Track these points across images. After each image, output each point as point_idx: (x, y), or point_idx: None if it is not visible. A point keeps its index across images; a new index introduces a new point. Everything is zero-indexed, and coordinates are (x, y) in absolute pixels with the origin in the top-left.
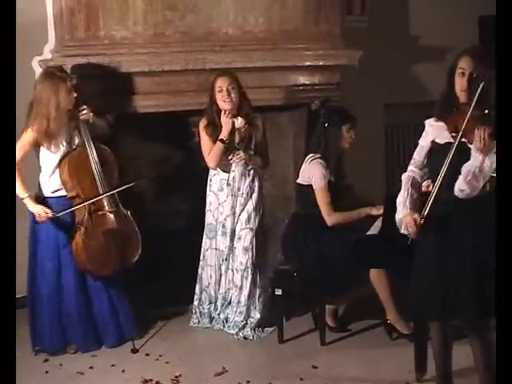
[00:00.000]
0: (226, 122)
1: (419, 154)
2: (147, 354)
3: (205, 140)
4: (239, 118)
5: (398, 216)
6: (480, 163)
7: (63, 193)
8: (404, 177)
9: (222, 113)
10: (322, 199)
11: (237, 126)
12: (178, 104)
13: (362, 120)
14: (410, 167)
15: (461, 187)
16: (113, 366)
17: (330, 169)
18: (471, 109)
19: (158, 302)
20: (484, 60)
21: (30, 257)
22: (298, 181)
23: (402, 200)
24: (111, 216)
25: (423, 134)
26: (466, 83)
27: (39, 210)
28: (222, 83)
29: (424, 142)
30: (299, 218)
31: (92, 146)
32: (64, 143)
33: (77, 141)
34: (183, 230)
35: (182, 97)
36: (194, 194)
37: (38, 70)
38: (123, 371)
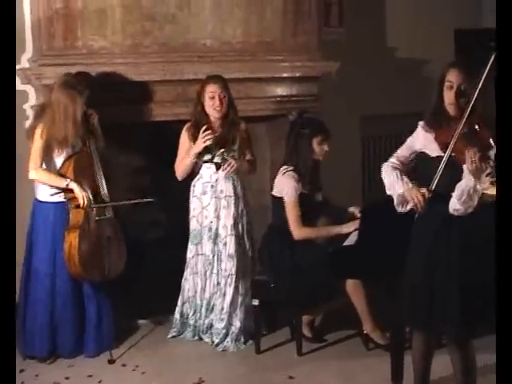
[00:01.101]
0: (197, 144)
1: (403, 151)
2: (124, 365)
3: (183, 142)
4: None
5: (398, 191)
6: (474, 184)
7: (61, 197)
8: (385, 166)
9: (201, 133)
10: (291, 212)
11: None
12: (155, 114)
13: (338, 131)
14: (392, 159)
15: (455, 207)
16: (89, 376)
17: (304, 181)
18: (461, 126)
19: (135, 312)
20: (472, 73)
21: (24, 260)
22: (272, 192)
23: (395, 179)
24: (107, 222)
25: (414, 133)
26: (453, 96)
27: (84, 196)
28: (215, 89)
29: (411, 142)
30: (275, 229)
31: (96, 150)
32: (70, 148)
33: (80, 144)
34: (159, 240)
35: (159, 107)
36: (171, 205)
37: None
38: (100, 382)
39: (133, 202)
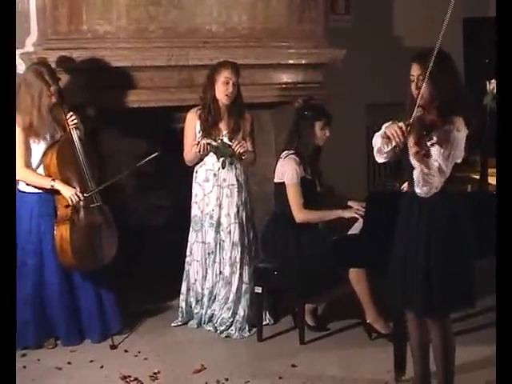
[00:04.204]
0: (195, 152)
1: None
2: (126, 351)
3: (189, 128)
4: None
5: (381, 131)
6: (419, 168)
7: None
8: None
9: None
10: (292, 195)
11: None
12: (160, 100)
13: (343, 120)
14: None
15: (417, 190)
16: (91, 361)
17: (305, 166)
18: (414, 113)
19: (137, 298)
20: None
21: None
22: (274, 180)
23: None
24: (96, 210)
25: None
26: (414, 88)
27: (73, 195)
28: (230, 75)
29: None
30: (279, 216)
31: (77, 138)
32: (48, 136)
33: (59, 133)
34: (163, 225)
35: (163, 93)
36: (175, 190)
37: (20, 63)
38: (102, 367)
39: (114, 180)
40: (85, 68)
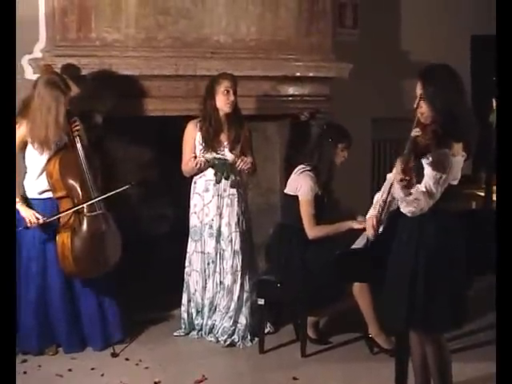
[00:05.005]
0: (192, 166)
1: None
2: (127, 359)
3: (188, 140)
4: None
5: (367, 216)
6: (400, 193)
7: (50, 194)
8: (388, 176)
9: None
10: (306, 211)
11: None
12: (167, 109)
13: (349, 133)
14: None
15: (402, 211)
16: (92, 369)
17: (320, 182)
18: (413, 133)
19: (140, 306)
20: (434, 79)
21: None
22: (285, 191)
23: (376, 200)
24: (99, 218)
25: None
26: (416, 105)
27: (30, 215)
28: (229, 85)
29: None
30: (284, 228)
31: (80, 146)
32: (52, 145)
33: (64, 140)
34: (167, 234)
35: (171, 102)
36: (179, 199)
37: (28, 69)
38: (102, 375)
39: (114, 192)
40: (92, 76)
